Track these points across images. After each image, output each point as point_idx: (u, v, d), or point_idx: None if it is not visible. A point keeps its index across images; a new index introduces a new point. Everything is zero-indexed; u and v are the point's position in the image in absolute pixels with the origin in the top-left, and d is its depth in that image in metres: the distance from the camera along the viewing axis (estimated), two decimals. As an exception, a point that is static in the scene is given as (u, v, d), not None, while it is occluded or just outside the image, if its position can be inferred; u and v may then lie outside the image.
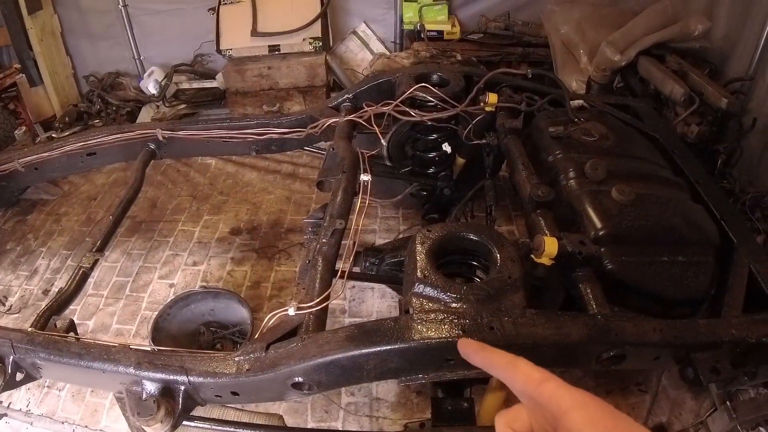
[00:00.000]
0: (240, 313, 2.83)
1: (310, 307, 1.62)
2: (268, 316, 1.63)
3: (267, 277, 3.27)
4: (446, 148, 2.58)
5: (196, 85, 4.94)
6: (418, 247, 1.64)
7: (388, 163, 3.08)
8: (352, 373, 1.51)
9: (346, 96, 2.71)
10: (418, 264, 1.58)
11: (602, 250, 1.77)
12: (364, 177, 2.13)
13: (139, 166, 2.51)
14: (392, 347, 1.43)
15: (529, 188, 1.90)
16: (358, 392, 2.63)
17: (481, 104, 2.36)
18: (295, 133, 2.63)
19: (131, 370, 1.49)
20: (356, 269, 2.51)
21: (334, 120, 2.54)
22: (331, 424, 2.55)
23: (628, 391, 2.71)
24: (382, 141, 2.34)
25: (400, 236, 3.40)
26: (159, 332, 2.66)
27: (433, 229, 1.70)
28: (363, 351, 1.44)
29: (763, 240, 2.50)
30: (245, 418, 1.82)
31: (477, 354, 0.75)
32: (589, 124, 2.24)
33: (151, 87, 4.68)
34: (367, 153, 2.40)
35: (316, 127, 2.57)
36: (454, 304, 1.50)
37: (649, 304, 1.83)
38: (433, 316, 1.46)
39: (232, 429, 1.73)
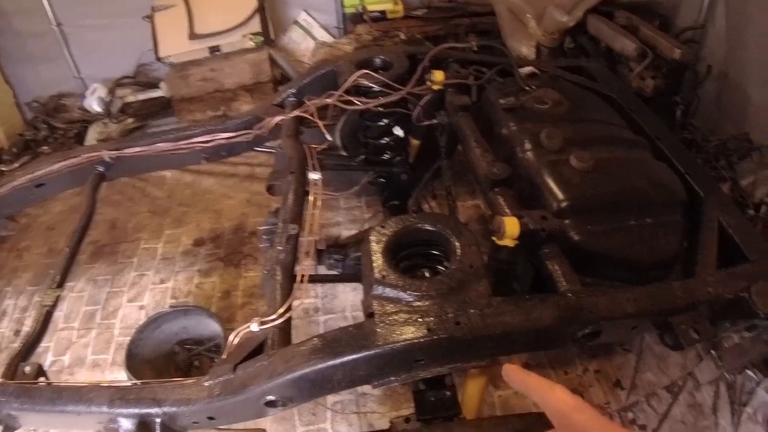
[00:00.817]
0: (212, 327, 2.74)
1: (273, 320, 1.54)
2: (233, 334, 1.55)
3: (236, 285, 3.20)
4: (398, 132, 2.47)
5: (141, 96, 4.72)
6: (374, 247, 1.55)
7: (344, 153, 2.98)
8: (323, 385, 1.44)
9: (290, 91, 2.59)
10: (375, 264, 1.49)
11: (567, 222, 1.69)
12: (313, 175, 2.04)
13: (89, 191, 2.40)
14: (357, 356, 1.36)
15: (484, 166, 1.80)
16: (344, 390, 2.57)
17: (428, 83, 2.25)
18: (242, 136, 2.51)
19: (105, 408, 1.44)
20: (321, 267, 2.43)
21: (279, 118, 2.42)
22: (320, 426, 2.51)
23: (613, 352, 2.70)
24: (327, 136, 2.23)
25: (366, 225, 3.31)
26: (134, 359, 2.57)
27: (387, 225, 1.60)
28: (328, 363, 1.37)
29: (730, 187, 2.45)
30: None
31: (518, 378, 0.80)
32: (541, 91, 2.14)
33: (95, 105, 4.46)
34: (317, 147, 2.30)
35: (262, 127, 2.46)
36: (416, 303, 1.41)
37: (621, 271, 1.76)
38: (395, 318, 1.38)
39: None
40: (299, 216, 1.90)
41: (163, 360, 2.70)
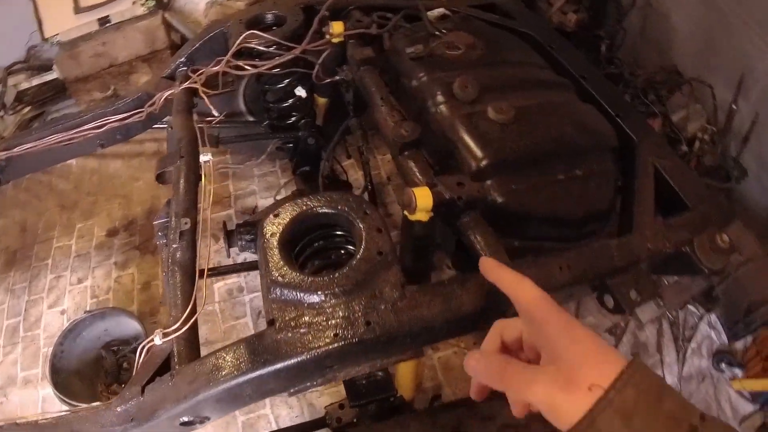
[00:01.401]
0: (132, 325, 2.62)
1: (175, 331, 1.32)
2: (139, 348, 1.35)
3: (155, 274, 3.03)
4: (300, 92, 2.20)
5: (36, 81, 4.25)
6: (268, 240, 1.30)
7: (251, 119, 2.69)
8: (234, 401, 1.27)
9: (179, 61, 2.26)
10: (271, 262, 1.26)
11: (488, 183, 1.48)
12: (204, 158, 1.76)
13: None
14: (262, 372, 1.16)
15: (391, 127, 1.56)
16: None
17: (327, 36, 1.97)
18: (135, 116, 2.22)
19: None
20: (234, 250, 2.20)
21: (169, 92, 2.11)
22: (260, 413, 2.45)
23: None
24: (214, 111, 1.93)
25: (282, 191, 3.07)
26: (59, 374, 2.47)
27: (281, 214, 1.35)
28: (232, 383, 1.17)
29: (661, 123, 2.30)
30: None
31: (493, 274, 0.83)
32: (453, 35, 1.89)
33: None
34: (213, 121, 2.01)
35: (153, 104, 2.15)
36: (319, 304, 1.19)
37: (552, 230, 1.57)
38: (298, 323, 1.17)
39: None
40: (193, 206, 1.64)
41: (91, 367, 2.62)
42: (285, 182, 3.21)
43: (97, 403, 1.55)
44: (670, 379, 2.46)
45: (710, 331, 2.58)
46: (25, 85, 4.25)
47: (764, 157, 2.28)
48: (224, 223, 2.17)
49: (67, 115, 3.35)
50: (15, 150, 2.24)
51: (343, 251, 1.44)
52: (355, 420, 1.81)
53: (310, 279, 1.19)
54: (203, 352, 1.35)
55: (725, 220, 1.54)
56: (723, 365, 2.40)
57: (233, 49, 1.94)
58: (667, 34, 2.73)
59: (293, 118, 2.36)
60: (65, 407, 2.32)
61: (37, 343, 2.88)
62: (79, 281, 3.09)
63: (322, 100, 2.38)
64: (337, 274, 1.19)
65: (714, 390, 2.43)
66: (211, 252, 3.01)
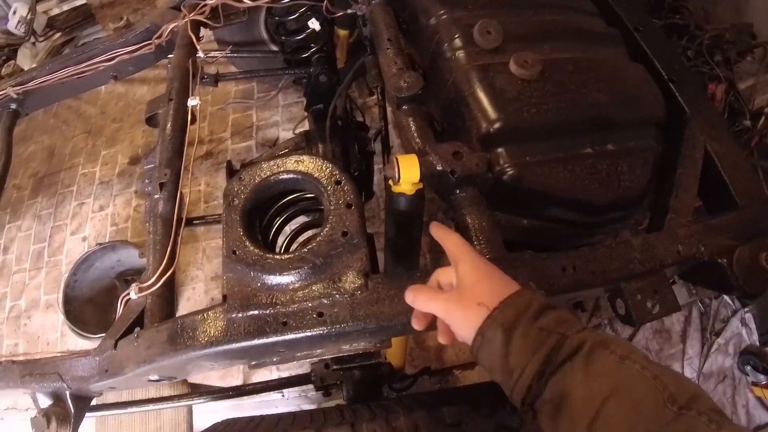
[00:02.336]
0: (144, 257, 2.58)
1: (149, 287, 1.26)
2: (119, 301, 1.31)
3: None
4: (313, 25, 1.97)
5: (66, 6, 4.16)
6: (229, 208, 1.14)
7: (273, 48, 2.48)
8: (194, 369, 1.24)
9: (185, -11, 2.07)
10: (230, 232, 1.11)
11: (498, 151, 1.25)
12: (192, 101, 1.62)
13: (2, 133, 2.19)
14: (212, 350, 1.05)
15: (391, 76, 1.33)
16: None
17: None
18: (144, 48, 2.09)
19: (19, 385, 1.35)
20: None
21: (174, 25, 1.96)
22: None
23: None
24: (217, 52, 1.73)
25: (300, 123, 2.89)
26: (72, 303, 2.56)
27: (245, 177, 1.17)
28: (183, 357, 1.08)
29: (725, 90, 1.95)
30: (153, 393, 1.88)
31: (439, 235, 0.97)
32: (485, -33, 1.60)
33: (18, 27, 3.92)
34: (215, 56, 1.84)
35: (160, 36, 2.01)
36: (275, 287, 1.04)
37: (569, 213, 1.33)
38: (249, 303, 1.04)
39: (140, 408, 1.78)
40: (177, 155, 1.53)
41: (104, 295, 2.68)
42: (306, 115, 3.04)
43: (81, 350, 1.54)
44: (689, 373, 2.25)
45: (742, 328, 2.36)
46: (55, 11, 4.18)
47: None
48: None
49: (77, 48, 3.27)
50: (30, 84, 2.22)
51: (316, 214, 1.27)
52: (339, 382, 1.74)
53: (265, 257, 1.03)
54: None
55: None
56: (748, 367, 2.19)
57: (235, -21, 1.71)
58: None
59: (308, 52, 2.13)
60: (74, 335, 2.39)
61: (59, 269, 2.95)
62: (101, 209, 3.13)
63: (343, 33, 2.15)
64: (293, 255, 1.02)
65: (733, 392, 2.24)
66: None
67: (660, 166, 1.36)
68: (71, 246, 3.02)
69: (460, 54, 1.40)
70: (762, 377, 2.15)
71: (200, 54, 1.80)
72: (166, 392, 1.97)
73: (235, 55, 2.33)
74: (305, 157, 1.14)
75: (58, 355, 1.39)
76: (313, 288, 1.02)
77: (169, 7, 2.09)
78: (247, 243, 1.07)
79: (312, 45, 2.10)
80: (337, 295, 0.99)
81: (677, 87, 1.45)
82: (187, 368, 1.24)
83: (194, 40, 1.85)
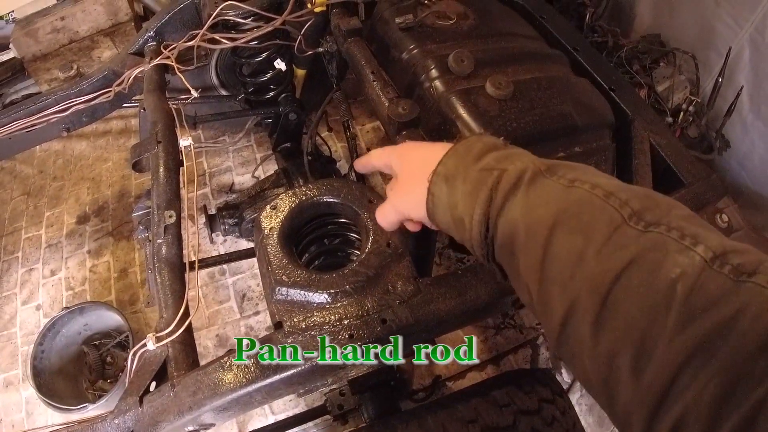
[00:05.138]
0: (113, 317, 2.51)
1: (170, 334, 1.23)
2: (130, 355, 1.26)
3: (132, 260, 2.91)
4: (279, 65, 2.07)
5: None
6: (267, 236, 1.22)
7: (224, 93, 2.56)
8: (243, 407, 1.19)
9: (147, 35, 2.10)
10: (272, 260, 1.17)
11: (489, 163, 1.43)
12: (184, 142, 1.64)
13: None
14: (273, 380, 1.09)
15: (386, 105, 1.48)
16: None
17: (308, 6, 1.85)
18: (102, 96, 2.08)
19: None
20: (216, 234, 2.11)
21: (139, 70, 1.98)
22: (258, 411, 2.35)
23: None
24: (193, 92, 1.79)
25: (259, 168, 2.96)
26: (41, 376, 2.36)
27: (278, 205, 1.26)
28: (240, 393, 1.09)
29: (647, 94, 2.28)
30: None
31: (362, 163, 1.08)
32: (443, 4, 1.81)
33: None
34: (188, 99, 1.89)
35: (122, 83, 2.01)
36: (330, 304, 1.12)
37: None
38: (308, 325, 1.10)
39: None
40: (176, 197, 1.53)
41: (74, 365, 2.53)
42: (262, 156, 3.10)
43: (93, 415, 1.45)
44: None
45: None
46: (-20, 68, 3.98)
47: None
48: (204, 207, 2.07)
49: (27, 99, 3.20)
50: (-27, 139, 2.08)
51: (348, 238, 1.38)
52: (356, 407, 1.75)
53: (317, 277, 1.12)
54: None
55: (718, 196, 1.55)
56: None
57: (209, 21, 1.80)
58: (651, 1, 2.70)
59: (272, 93, 2.24)
60: (50, 410, 2.23)
61: (14, 342, 2.75)
62: (53, 273, 2.95)
63: (301, 72, 2.27)
64: (346, 270, 1.13)
65: None
66: (191, 237, 2.91)
67: (617, 161, 1.60)
68: (24, 316, 2.84)
69: (438, 82, 1.59)
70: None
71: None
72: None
73: (197, 101, 2.39)
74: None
75: (60, 426, 1.30)
76: (370, 299, 1.11)
77: (129, 53, 2.11)
78: (294, 267, 1.15)
79: (276, 85, 2.21)
80: (396, 301, 1.11)
81: (617, 94, 1.71)
82: (230, 411, 1.20)
83: (163, 83, 1.90)
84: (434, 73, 1.60)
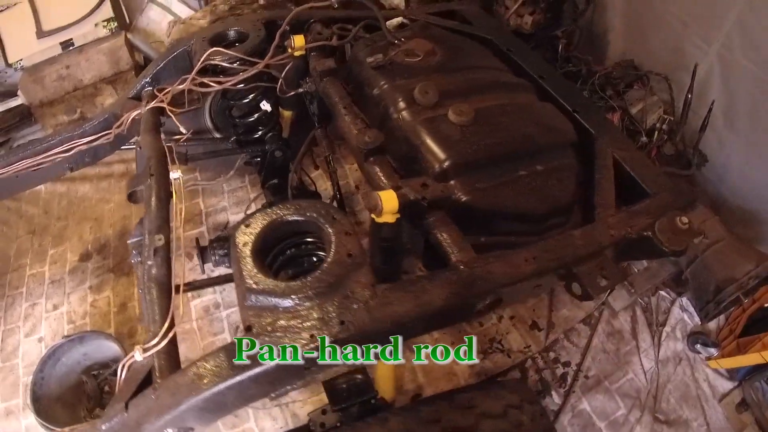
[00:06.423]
0: (112, 348, 2.56)
1: (155, 346, 1.34)
2: (120, 366, 1.37)
3: (131, 296, 2.98)
4: (265, 106, 2.22)
5: (1, 108, 4.17)
6: (241, 250, 1.33)
7: (218, 135, 2.71)
8: (217, 409, 1.30)
9: (144, 81, 2.28)
10: (245, 270, 1.28)
11: (452, 183, 1.52)
12: (174, 175, 1.77)
13: None
14: (242, 378, 1.19)
15: (355, 135, 1.60)
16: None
17: (288, 50, 2.01)
18: (103, 138, 2.23)
19: None
20: (208, 265, 2.21)
21: (136, 113, 2.13)
22: (245, 426, 2.42)
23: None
24: (182, 129, 1.95)
25: (252, 205, 3.08)
26: (40, 402, 2.41)
27: (252, 223, 1.37)
28: (213, 391, 1.20)
29: (621, 116, 2.37)
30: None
31: None
32: (412, 43, 1.95)
33: None
34: (181, 138, 2.03)
35: (121, 125, 2.17)
36: (294, 308, 1.22)
37: (517, 225, 1.62)
38: (274, 327, 1.20)
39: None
40: (166, 223, 1.66)
41: (72, 393, 2.55)
42: (255, 196, 3.20)
43: (82, 424, 1.52)
44: (648, 364, 2.52)
45: (683, 314, 2.65)
46: (-11, 113, 4.15)
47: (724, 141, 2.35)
48: (197, 240, 2.18)
49: (34, 140, 3.38)
50: (-18, 178, 2.19)
51: (315, 258, 1.47)
52: (338, 424, 1.84)
53: (283, 284, 1.22)
54: (183, 371, 1.37)
55: (687, 203, 1.60)
56: (698, 346, 2.46)
57: (198, 67, 1.96)
58: (622, 30, 2.82)
59: (259, 132, 2.38)
60: None
61: (16, 373, 2.82)
62: (55, 308, 3.04)
63: (287, 113, 2.41)
64: (309, 278, 1.22)
65: (691, 370, 2.49)
66: (186, 270, 3.01)
67: (582, 178, 1.68)
68: (27, 348, 2.90)
69: (405, 113, 1.70)
70: (713, 350, 2.42)
71: (163, 136, 1.97)
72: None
73: (192, 142, 2.53)
74: (303, 202, 1.37)
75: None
76: (330, 303, 1.20)
77: (128, 97, 2.26)
78: (263, 276, 1.25)
79: (263, 125, 2.35)
80: (354, 305, 1.19)
81: (581, 116, 1.80)
82: (207, 412, 1.29)
83: (158, 124, 2.04)
84: (401, 105, 1.72)
